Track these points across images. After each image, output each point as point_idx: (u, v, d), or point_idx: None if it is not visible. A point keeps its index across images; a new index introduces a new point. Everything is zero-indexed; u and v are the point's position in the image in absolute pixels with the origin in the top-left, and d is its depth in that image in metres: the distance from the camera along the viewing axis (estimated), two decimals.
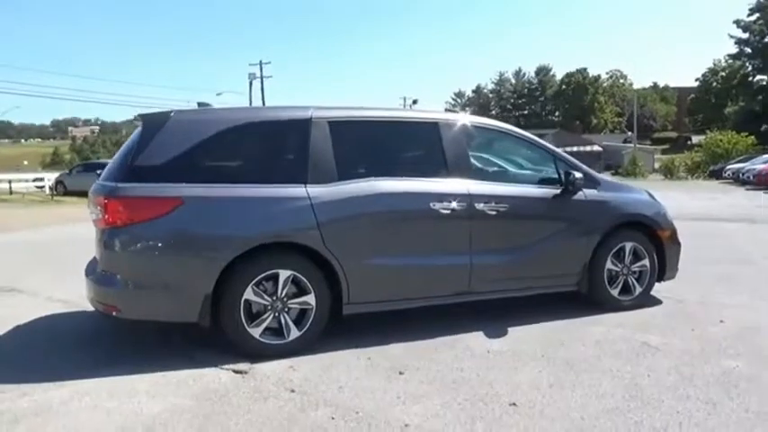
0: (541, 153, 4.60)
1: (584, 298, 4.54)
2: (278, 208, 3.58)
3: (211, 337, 3.68)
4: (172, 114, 3.61)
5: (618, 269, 4.58)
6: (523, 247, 4.24)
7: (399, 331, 4.01)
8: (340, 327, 3.92)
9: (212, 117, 3.72)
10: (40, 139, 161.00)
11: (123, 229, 3.36)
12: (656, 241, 4.70)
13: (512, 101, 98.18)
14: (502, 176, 4.54)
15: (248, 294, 3.50)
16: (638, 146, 56.07)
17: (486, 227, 4.09)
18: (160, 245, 3.37)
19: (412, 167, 4.09)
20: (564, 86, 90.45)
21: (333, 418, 2.76)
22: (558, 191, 4.32)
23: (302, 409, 2.86)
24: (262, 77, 48.45)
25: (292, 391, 3.10)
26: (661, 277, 4.79)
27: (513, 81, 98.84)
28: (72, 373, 3.33)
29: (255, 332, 3.53)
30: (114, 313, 3.42)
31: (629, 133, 68.39)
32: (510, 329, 4.10)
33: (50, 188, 25.28)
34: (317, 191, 3.65)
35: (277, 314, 3.59)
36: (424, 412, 2.83)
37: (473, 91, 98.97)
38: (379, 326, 4.09)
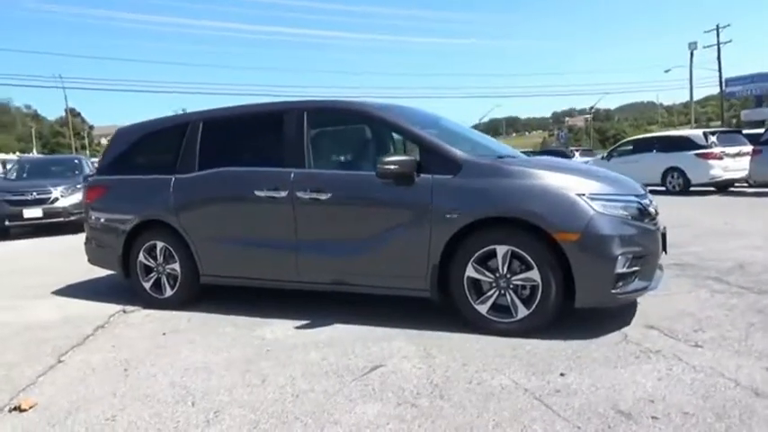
0: (401, 136, 3.90)
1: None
2: (153, 193, 4.62)
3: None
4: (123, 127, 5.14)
5: (489, 279, 3.50)
6: (350, 240, 3.86)
7: (260, 309, 4.40)
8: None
9: (137, 127, 5.03)
10: (541, 131, 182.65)
11: (87, 207, 5.12)
12: (559, 248, 3.31)
13: None
14: (339, 163, 4.10)
15: (141, 257, 4.71)
16: None
17: (308, 215, 3.96)
18: (98, 217, 4.97)
19: (256, 157, 4.33)
20: None
21: (67, 337, 3.89)
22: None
23: (77, 334, 4.01)
24: (718, 44, 42.06)
25: (102, 327, 4.22)
26: (569, 299, 3.34)
27: None
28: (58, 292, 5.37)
29: (146, 285, 4.72)
30: (88, 261, 5.24)
31: None
32: (347, 326, 3.84)
33: None
34: (178, 179, 4.51)
35: (159, 275, 4.67)
36: (97, 359, 3.51)
37: None
38: (261, 302, 4.61)
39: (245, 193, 4.19)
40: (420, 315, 3.92)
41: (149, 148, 4.91)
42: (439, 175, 3.60)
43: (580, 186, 3.39)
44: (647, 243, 3.46)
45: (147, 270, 4.72)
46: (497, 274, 3.47)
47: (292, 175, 4.01)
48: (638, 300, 4.11)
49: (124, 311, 4.64)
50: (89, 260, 5.23)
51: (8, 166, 15.94)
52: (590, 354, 3.11)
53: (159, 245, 4.62)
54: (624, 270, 3.30)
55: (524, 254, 3.37)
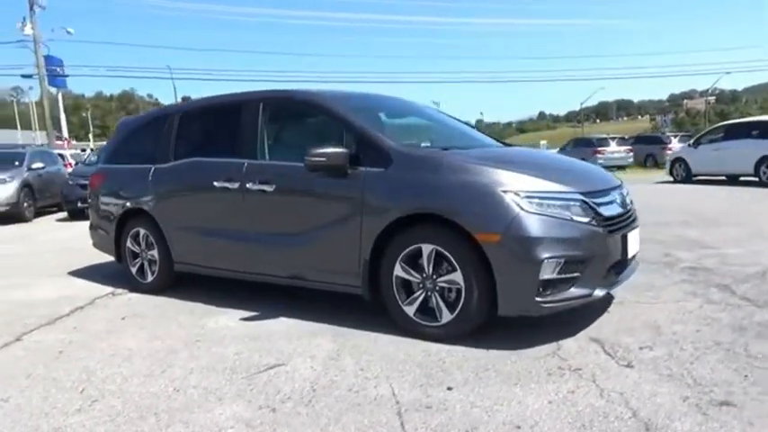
0: (342, 127, 3.72)
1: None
2: (137, 182, 4.80)
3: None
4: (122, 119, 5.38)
5: (416, 280, 3.29)
6: (293, 233, 3.78)
7: (229, 298, 4.47)
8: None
9: (135, 118, 5.24)
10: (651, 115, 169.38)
11: (90, 193, 5.43)
12: (481, 249, 3.04)
13: None
14: (291, 154, 3.94)
15: (128, 243, 4.94)
16: None
17: (257, 207, 3.94)
18: (98, 202, 5.26)
19: (219, 148, 4.33)
20: None
21: (43, 316, 4.16)
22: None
23: (52, 314, 4.28)
24: None
25: (80, 308, 4.48)
26: (495, 305, 3.06)
27: None
28: (73, 272, 5.75)
29: (133, 270, 4.95)
30: (92, 245, 5.57)
31: None
32: (289, 320, 3.82)
33: None
34: (156, 169, 4.66)
35: (142, 260, 4.88)
36: (49, 339, 3.73)
37: None
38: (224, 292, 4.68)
39: (205, 184, 4.24)
40: (372, 314, 3.74)
41: (141, 139, 5.10)
42: (372, 168, 3.43)
43: (513, 183, 3.07)
44: (591, 246, 3.07)
45: (134, 255, 4.94)
46: (424, 275, 3.25)
47: (245, 167, 4.00)
48: (610, 307, 3.72)
49: (113, 294, 4.90)
50: (93, 244, 5.58)
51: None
52: (502, 366, 2.84)
53: (142, 232, 4.81)
54: (553, 276, 2.96)
55: (448, 254, 3.13)
